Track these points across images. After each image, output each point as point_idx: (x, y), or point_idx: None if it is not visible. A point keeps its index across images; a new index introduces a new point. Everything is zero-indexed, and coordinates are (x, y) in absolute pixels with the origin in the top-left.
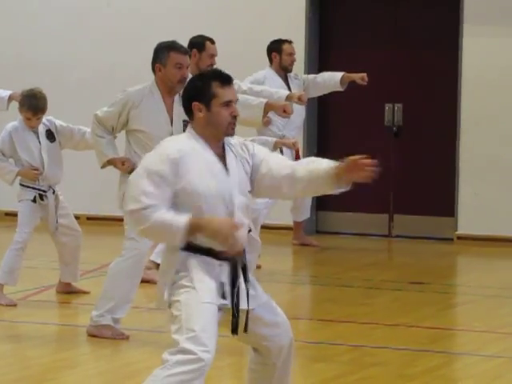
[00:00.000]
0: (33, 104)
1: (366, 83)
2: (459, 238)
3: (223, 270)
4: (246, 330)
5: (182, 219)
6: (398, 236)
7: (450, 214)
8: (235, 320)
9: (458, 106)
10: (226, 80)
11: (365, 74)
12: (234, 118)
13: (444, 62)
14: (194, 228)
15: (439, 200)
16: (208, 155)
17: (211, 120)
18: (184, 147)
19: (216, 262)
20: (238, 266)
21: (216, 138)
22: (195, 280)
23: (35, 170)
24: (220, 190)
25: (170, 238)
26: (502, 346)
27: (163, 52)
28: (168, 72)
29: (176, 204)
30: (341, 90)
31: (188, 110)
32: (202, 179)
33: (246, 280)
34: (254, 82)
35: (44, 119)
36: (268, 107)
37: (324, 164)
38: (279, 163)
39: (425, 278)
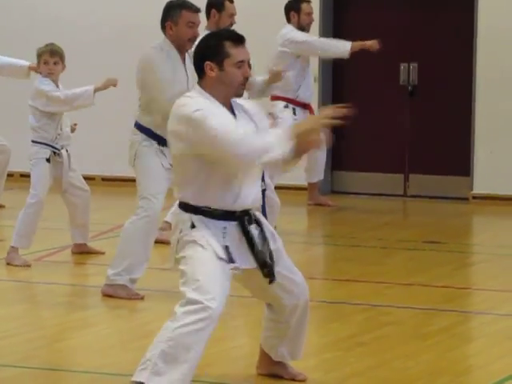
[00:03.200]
0: (51, 46)
1: (375, 50)
2: (475, 197)
3: (228, 233)
4: (271, 281)
5: (279, 133)
6: (413, 196)
7: (466, 173)
8: (267, 270)
9: (474, 65)
10: (239, 40)
11: (375, 41)
12: (246, 79)
13: (460, 20)
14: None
15: (455, 159)
16: (224, 111)
17: (223, 80)
18: (206, 104)
19: (219, 225)
20: (245, 224)
21: (225, 99)
22: (199, 236)
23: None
24: None
25: (275, 152)
26: None
27: (175, 10)
28: (179, 30)
29: (203, 155)
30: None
31: (199, 69)
32: None
33: (264, 236)
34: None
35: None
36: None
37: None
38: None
39: (440, 237)
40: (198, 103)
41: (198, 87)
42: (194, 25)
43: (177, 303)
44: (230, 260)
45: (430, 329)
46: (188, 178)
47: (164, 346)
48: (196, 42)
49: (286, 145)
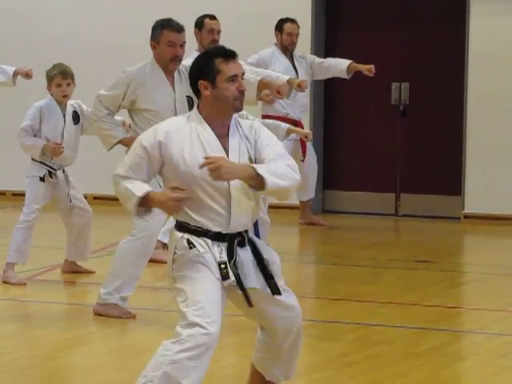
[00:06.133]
0: (62, 68)
1: (372, 75)
2: (466, 216)
3: (223, 250)
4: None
5: (140, 189)
6: (404, 215)
7: (457, 192)
8: (245, 294)
9: (465, 85)
10: (229, 55)
11: (372, 66)
12: (242, 92)
13: (451, 40)
14: (147, 200)
15: (446, 179)
16: (206, 134)
17: (218, 96)
18: (175, 128)
19: (212, 243)
20: (234, 245)
21: (223, 116)
22: (196, 254)
23: (58, 144)
24: None
25: (128, 204)
26: (509, 324)
27: (157, 30)
28: (161, 50)
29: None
30: (346, 77)
31: (195, 90)
32: (193, 158)
33: (260, 259)
34: (259, 61)
35: (73, 101)
36: (262, 85)
37: None
38: (272, 160)
39: (431, 256)
40: (155, 134)
41: (194, 108)
42: (176, 44)
43: (173, 327)
44: (227, 276)
45: (421, 348)
46: None
47: (167, 368)
48: (182, 62)
49: (133, 198)
